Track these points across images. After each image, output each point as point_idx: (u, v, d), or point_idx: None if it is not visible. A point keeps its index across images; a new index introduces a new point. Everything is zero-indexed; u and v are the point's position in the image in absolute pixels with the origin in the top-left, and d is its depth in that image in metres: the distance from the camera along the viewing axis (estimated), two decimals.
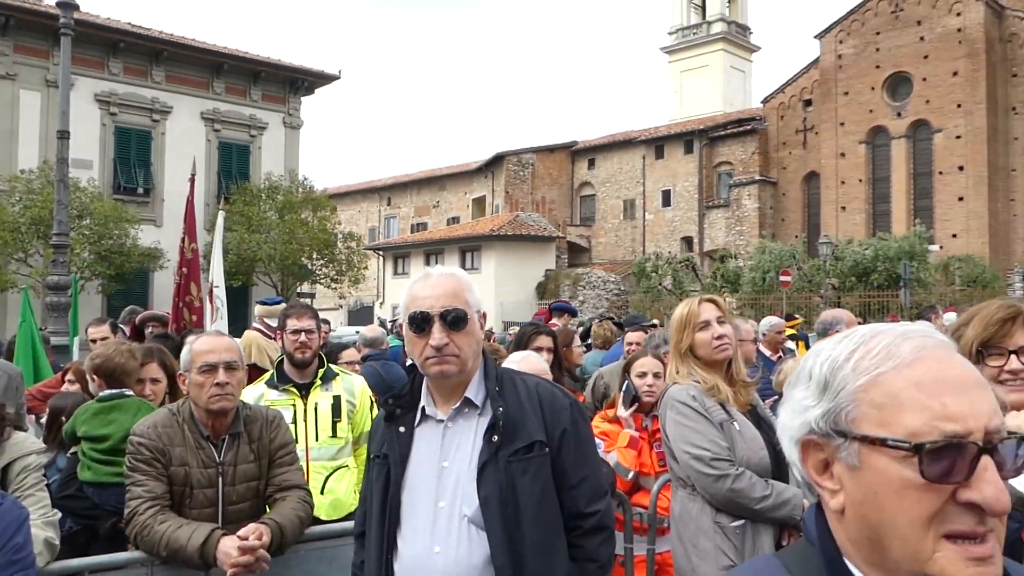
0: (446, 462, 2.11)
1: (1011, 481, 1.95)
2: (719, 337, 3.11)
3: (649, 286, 34.41)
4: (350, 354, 5.80)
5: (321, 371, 4.26)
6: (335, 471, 4.19)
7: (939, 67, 37.19)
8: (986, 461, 0.88)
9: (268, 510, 3.15)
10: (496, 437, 2.08)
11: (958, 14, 36.88)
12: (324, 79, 26.81)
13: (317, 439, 4.16)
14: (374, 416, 4.38)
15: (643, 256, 39.04)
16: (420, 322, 2.10)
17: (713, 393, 3.05)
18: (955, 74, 36.79)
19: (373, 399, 4.48)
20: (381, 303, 43.18)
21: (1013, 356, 2.08)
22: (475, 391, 2.16)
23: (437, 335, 2.08)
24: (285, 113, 26.33)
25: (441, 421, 2.15)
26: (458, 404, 2.15)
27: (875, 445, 0.91)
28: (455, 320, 2.10)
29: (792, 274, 29.26)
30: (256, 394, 4.13)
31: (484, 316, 2.26)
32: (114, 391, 3.64)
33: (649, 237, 46.10)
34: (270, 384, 4.22)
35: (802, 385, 1.01)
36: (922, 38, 37.79)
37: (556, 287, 36.27)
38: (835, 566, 0.97)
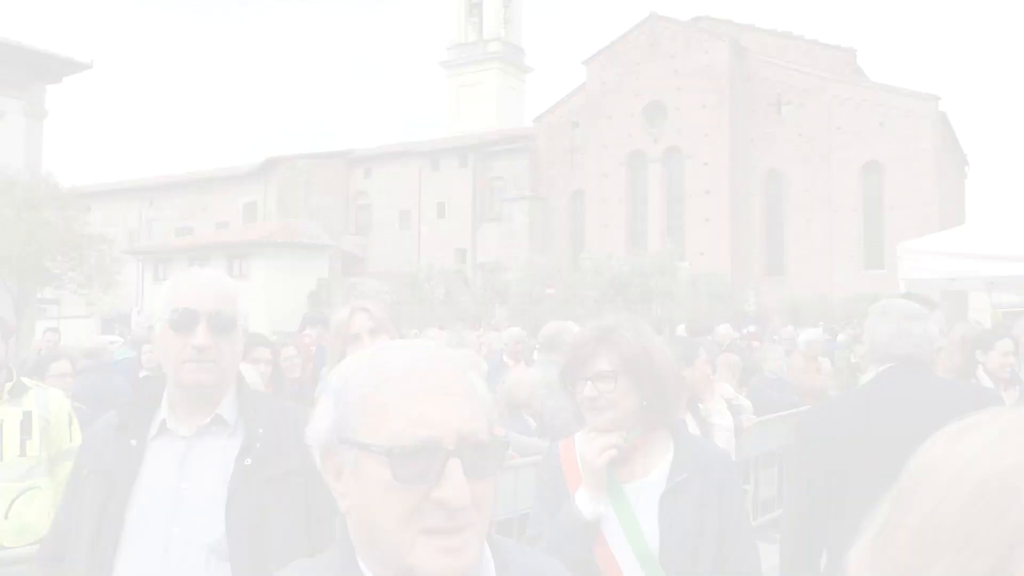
0: (186, 484, 1.91)
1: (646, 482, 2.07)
2: None
3: (422, 296, 34.73)
4: (61, 367, 5.37)
5: (9, 385, 3.94)
6: (23, 493, 3.89)
7: (690, 98, 40.57)
8: (453, 463, 0.97)
9: None
10: (250, 460, 1.91)
11: (707, 52, 40.46)
12: (73, 67, 24.76)
13: (2, 459, 3.84)
14: (73, 433, 4.14)
15: (417, 267, 39.35)
16: (184, 320, 1.89)
17: None
18: (703, 106, 40.25)
19: (72, 415, 4.20)
20: (140, 311, 40.40)
21: (589, 383, 2.02)
22: (228, 408, 1.95)
23: (202, 335, 1.87)
24: (26, 101, 23.99)
25: (184, 438, 1.95)
26: (207, 421, 1.95)
27: (366, 451, 0.99)
28: (224, 324, 1.91)
29: (557, 287, 30.69)
30: None
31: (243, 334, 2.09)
32: None
33: (424, 248, 46.51)
34: None
35: (326, 396, 1.07)
36: (676, 71, 41.03)
37: (329, 296, 35.67)
38: (348, 565, 1.05)
